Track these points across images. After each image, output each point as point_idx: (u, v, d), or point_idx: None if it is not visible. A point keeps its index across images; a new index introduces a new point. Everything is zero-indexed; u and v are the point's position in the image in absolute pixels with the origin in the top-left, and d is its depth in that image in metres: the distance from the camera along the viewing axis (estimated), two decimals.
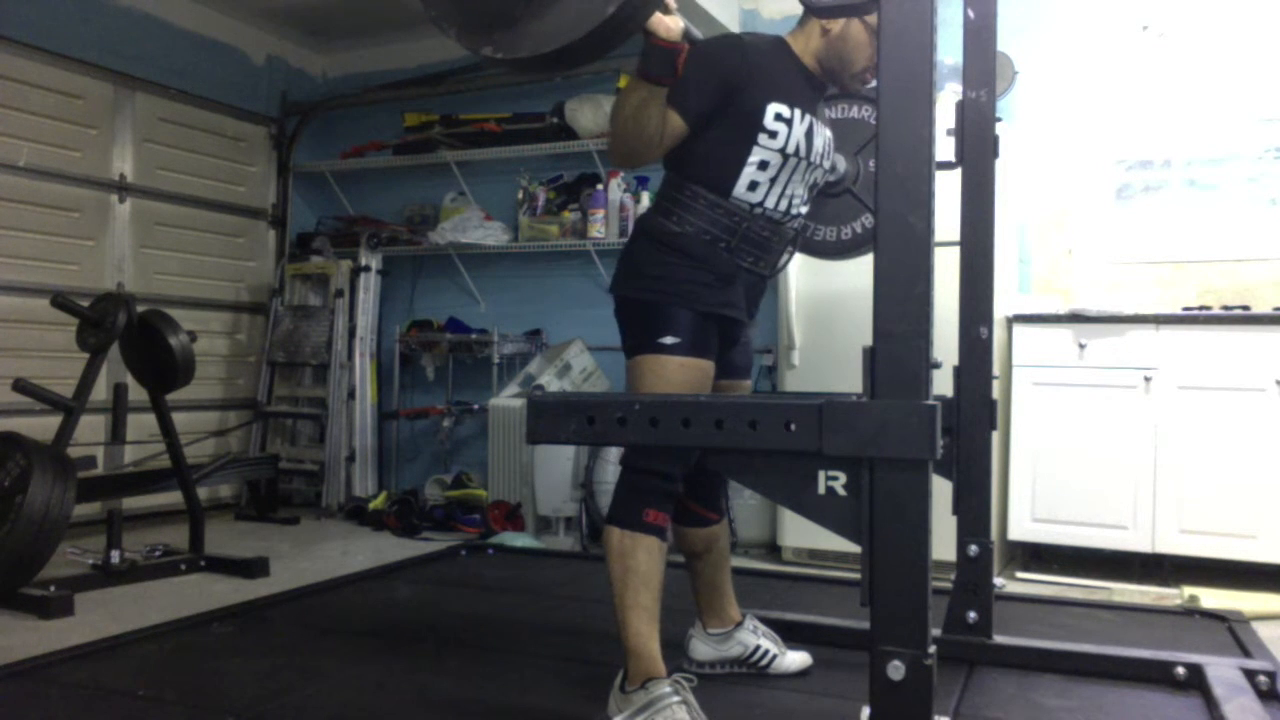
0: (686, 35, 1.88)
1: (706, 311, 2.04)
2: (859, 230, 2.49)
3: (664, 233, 2.06)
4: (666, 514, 1.98)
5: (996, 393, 2.49)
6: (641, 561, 1.94)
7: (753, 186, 2.06)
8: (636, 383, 2.04)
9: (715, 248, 2.05)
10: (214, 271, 5.13)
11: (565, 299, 4.93)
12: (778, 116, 2.03)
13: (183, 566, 3.56)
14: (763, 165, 2.05)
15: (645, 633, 1.94)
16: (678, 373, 2.00)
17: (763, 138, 2.03)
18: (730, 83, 1.99)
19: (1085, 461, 3.52)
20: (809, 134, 2.09)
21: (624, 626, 1.95)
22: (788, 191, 2.11)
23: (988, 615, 2.38)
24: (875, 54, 1.99)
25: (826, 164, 2.21)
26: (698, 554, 2.30)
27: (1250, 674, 2.20)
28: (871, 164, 2.40)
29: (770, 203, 2.09)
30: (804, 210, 2.21)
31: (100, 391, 3.75)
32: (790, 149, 2.05)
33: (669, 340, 2.00)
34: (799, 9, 2.09)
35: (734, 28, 4.42)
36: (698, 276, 2.03)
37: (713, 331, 2.07)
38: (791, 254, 2.28)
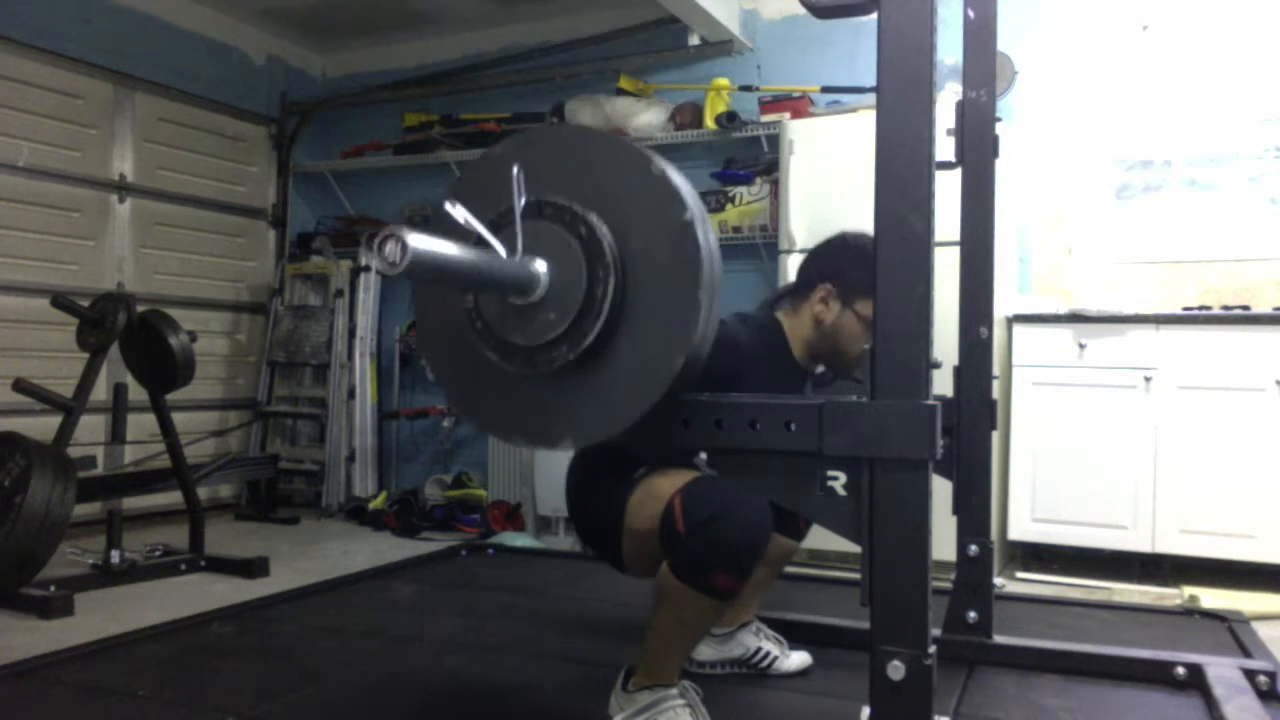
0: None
1: None
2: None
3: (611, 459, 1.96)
4: (743, 580, 1.77)
5: (996, 393, 2.49)
6: (692, 618, 1.82)
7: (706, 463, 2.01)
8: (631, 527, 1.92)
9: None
10: (214, 271, 5.13)
11: None
12: None
13: (183, 566, 3.56)
14: None
15: (670, 664, 1.90)
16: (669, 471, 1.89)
17: None
18: (716, 380, 1.86)
19: (1085, 461, 3.52)
20: None
21: (649, 650, 1.89)
22: None
23: (988, 615, 2.38)
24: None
25: None
26: (766, 561, 2.15)
27: (1250, 674, 2.19)
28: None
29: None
30: None
31: (100, 391, 3.75)
32: None
33: (640, 472, 1.91)
34: (799, 9, 2.09)
35: (734, 28, 4.42)
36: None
37: None
38: None
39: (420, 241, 1.11)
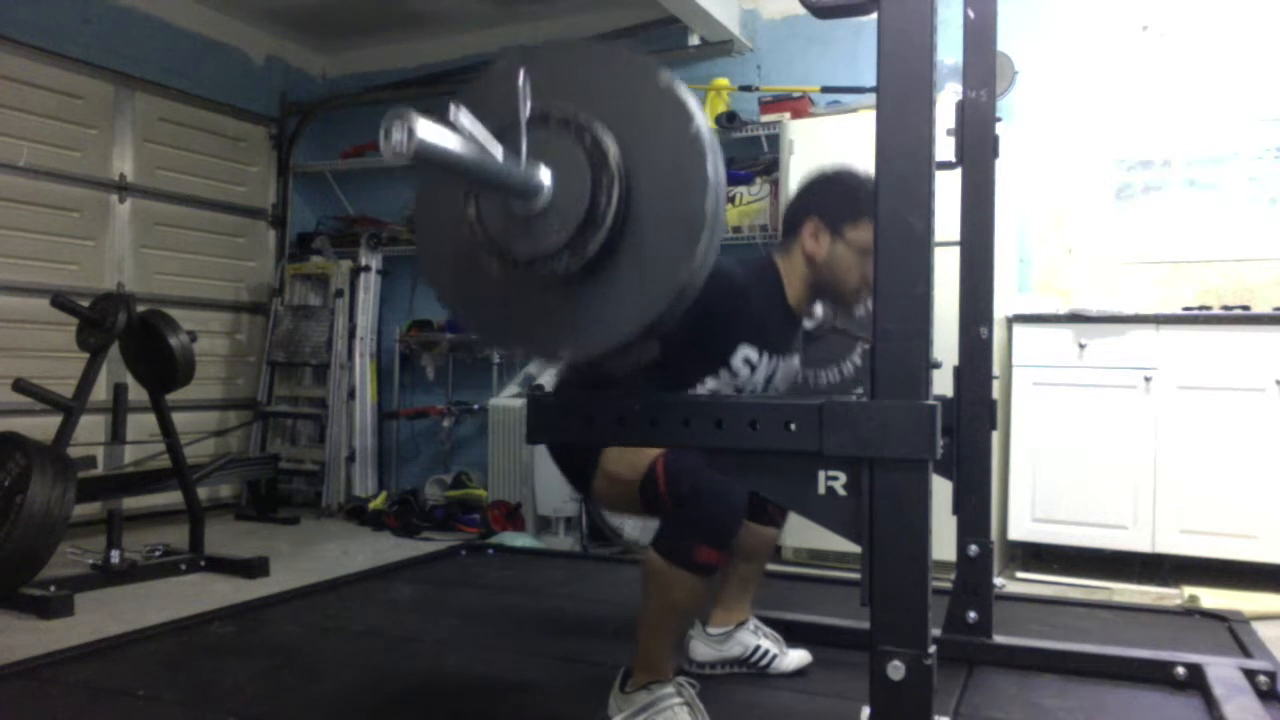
0: None
1: None
2: (849, 371, 2.50)
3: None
4: (722, 553, 1.84)
5: (996, 393, 2.49)
6: (679, 599, 1.85)
7: None
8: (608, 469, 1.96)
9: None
10: (214, 271, 5.13)
11: None
12: (746, 360, 2.02)
13: (183, 566, 3.56)
14: (713, 392, 2.03)
15: (662, 652, 1.92)
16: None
17: (724, 374, 2.02)
18: (708, 320, 1.90)
19: (1085, 461, 3.52)
20: (769, 378, 2.09)
21: (641, 641, 1.92)
22: None
23: (988, 615, 2.38)
24: (868, 271, 1.97)
25: (779, 392, 2.19)
26: (751, 554, 2.28)
27: (1250, 674, 2.19)
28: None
29: None
30: None
31: (100, 391, 3.75)
32: (746, 388, 2.05)
33: None
34: (799, 9, 2.09)
35: (734, 28, 4.42)
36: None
37: None
38: None
39: (427, 129, 1.10)
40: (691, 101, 1.32)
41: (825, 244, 2.06)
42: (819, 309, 2.27)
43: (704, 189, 1.28)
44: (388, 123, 1.08)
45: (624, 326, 1.33)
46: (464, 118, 1.20)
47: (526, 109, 1.31)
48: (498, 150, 1.24)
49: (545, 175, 1.31)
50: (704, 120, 1.32)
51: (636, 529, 3.67)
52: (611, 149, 1.31)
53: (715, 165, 1.29)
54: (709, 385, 2.02)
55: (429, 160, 1.13)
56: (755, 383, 2.07)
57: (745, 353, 2.03)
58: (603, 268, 1.32)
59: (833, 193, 2.09)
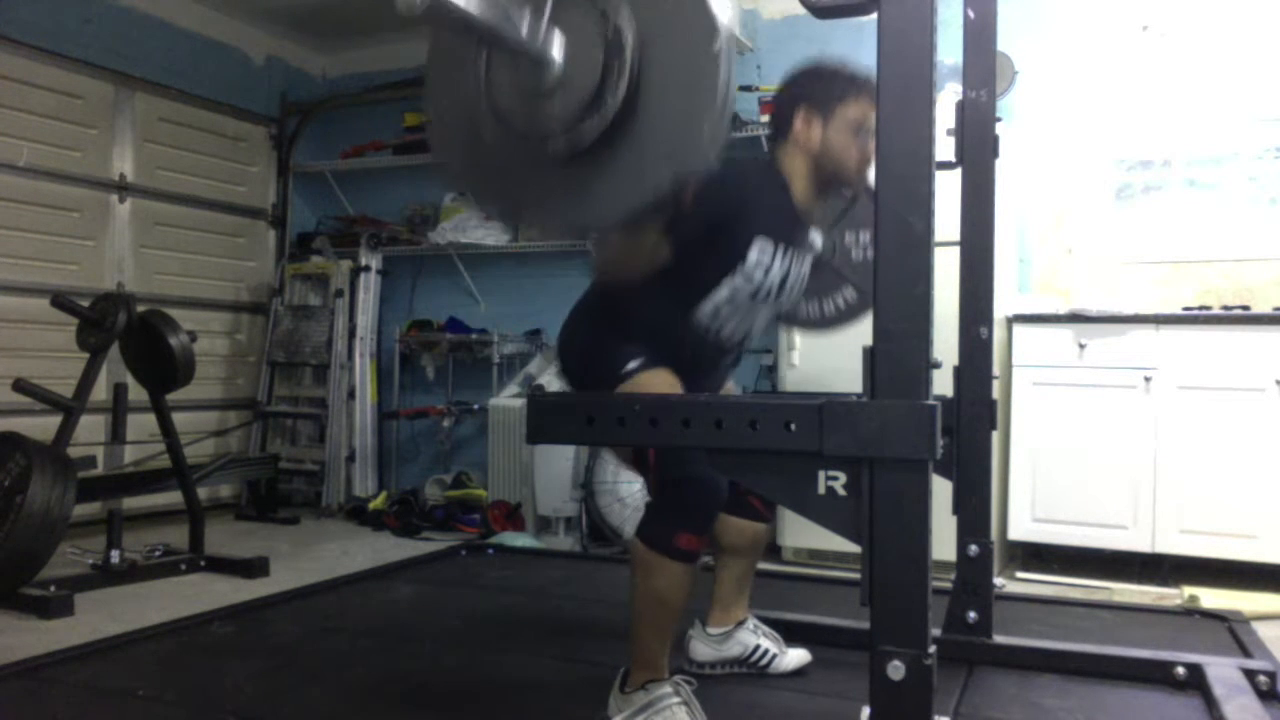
0: None
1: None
2: (841, 305, 2.50)
3: (615, 311, 2.03)
4: (702, 538, 1.90)
5: (996, 393, 2.49)
6: (664, 586, 1.88)
7: (715, 314, 2.04)
8: None
9: (666, 336, 2.01)
10: (214, 271, 5.13)
11: (565, 299, 4.83)
12: (759, 259, 2.01)
13: (183, 566, 3.56)
14: (731, 299, 2.03)
15: (655, 648, 1.93)
16: (657, 385, 1.93)
17: (739, 277, 2.01)
18: (721, 219, 1.95)
19: (1085, 461, 3.52)
20: (785, 277, 2.07)
21: (634, 638, 1.94)
22: (747, 323, 2.10)
23: (988, 615, 2.38)
24: (865, 147, 1.99)
25: (793, 299, 2.19)
26: (739, 551, 2.29)
27: (1250, 674, 2.19)
28: (847, 239, 2.42)
29: (727, 332, 2.08)
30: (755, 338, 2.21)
31: (100, 391, 3.75)
32: (763, 290, 2.04)
33: (632, 365, 1.94)
34: (799, 9, 2.09)
35: (734, 28, 4.41)
36: (652, 334, 2.01)
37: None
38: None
39: None
40: (722, 15, 1.34)
41: (818, 130, 2.05)
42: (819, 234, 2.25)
43: (713, 99, 1.30)
44: None
45: (633, 197, 1.37)
46: None
47: None
48: (514, 9, 1.26)
49: (558, 49, 1.32)
50: (730, 36, 1.35)
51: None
52: (630, 40, 1.31)
53: (728, 77, 1.32)
54: (724, 292, 2.01)
55: (443, 18, 1.14)
56: (771, 283, 2.04)
57: (758, 251, 2.00)
58: (613, 142, 1.34)
59: (816, 78, 2.08)
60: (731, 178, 1.98)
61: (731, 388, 2.34)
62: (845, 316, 2.51)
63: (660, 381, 1.95)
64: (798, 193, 2.10)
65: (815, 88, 2.07)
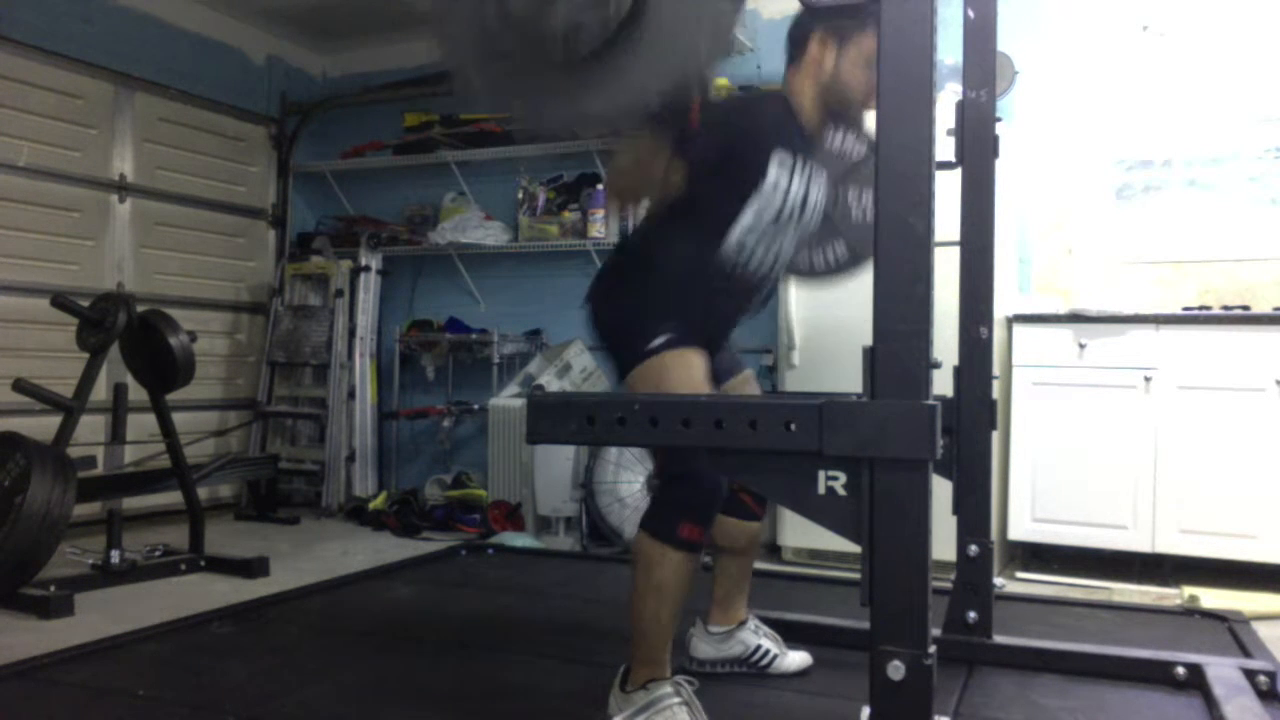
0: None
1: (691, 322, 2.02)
2: (832, 260, 2.50)
3: (646, 259, 2.06)
4: (704, 529, 1.93)
5: (996, 393, 2.49)
6: (667, 578, 1.90)
7: (741, 246, 2.05)
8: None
9: (694, 289, 2.03)
10: (214, 271, 5.13)
11: (565, 299, 4.92)
12: (777, 178, 2.02)
13: (183, 566, 3.56)
14: (754, 225, 2.03)
15: (657, 645, 1.93)
16: (679, 368, 1.95)
17: (759, 201, 2.02)
18: (732, 141, 1.98)
19: (1085, 461, 3.52)
20: (805, 196, 2.08)
21: (636, 634, 1.94)
22: (774, 250, 2.10)
23: (988, 615, 2.38)
24: (872, 80, 2.00)
25: (815, 222, 2.19)
26: (735, 550, 2.30)
27: (1250, 674, 2.19)
28: (850, 194, 2.42)
29: (755, 262, 2.08)
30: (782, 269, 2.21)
31: (100, 391, 3.75)
32: (785, 213, 2.05)
33: (657, 341, 1.95)
34: (799, 8, 2.09)
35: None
36: (680, 296, 2.02)
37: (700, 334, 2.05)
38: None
39: None
40: None
41: (833, 54, 2.07)
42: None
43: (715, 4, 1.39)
44: None
45: (622, 100, 1.45)
46: None
47: None
48: None
49: None
50: None
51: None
52: None
53: None
54: (748, 217, 2.02)
55: None
56: (793, 204, 2.05)
57: (778, 162, 2.01)
58: (608, 53, 1.42)
59: (836, 6, 2.11)
60: (738, 101, 2.01)
61: (750, 375, 2.34)
62: (836, 270, 2.49)
63: (683, 363, 1.95)
64: (804, 116, 2.12)
65: (834, 14, 2.08)
